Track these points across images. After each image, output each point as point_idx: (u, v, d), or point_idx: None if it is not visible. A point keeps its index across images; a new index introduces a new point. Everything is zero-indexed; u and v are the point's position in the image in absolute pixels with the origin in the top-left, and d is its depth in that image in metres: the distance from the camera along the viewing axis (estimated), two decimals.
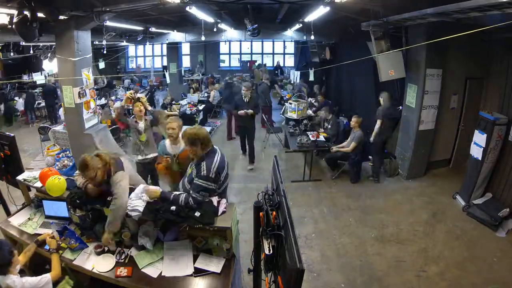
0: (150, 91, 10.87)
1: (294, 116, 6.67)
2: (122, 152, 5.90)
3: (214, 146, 2.63)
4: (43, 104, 9.61)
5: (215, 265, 2.34)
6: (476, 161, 4.52)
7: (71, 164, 5.56)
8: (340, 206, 4.81)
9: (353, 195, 5.12)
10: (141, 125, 4.06)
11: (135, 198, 2.48)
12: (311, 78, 8.85)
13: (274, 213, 1.88)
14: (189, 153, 2.62)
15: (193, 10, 4.59)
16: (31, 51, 8.44)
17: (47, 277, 2.13)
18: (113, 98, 10.14)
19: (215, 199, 2.49)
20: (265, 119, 7.51)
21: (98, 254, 2.46)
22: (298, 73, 10.10)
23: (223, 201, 2.50)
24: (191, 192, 2.48)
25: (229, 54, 15.77)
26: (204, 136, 2.53)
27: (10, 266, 1.99)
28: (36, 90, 10.20)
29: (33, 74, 10.48)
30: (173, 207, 2.39)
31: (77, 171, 2.63)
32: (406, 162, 5.58)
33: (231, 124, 7.75)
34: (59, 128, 6.34)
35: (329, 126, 6.37)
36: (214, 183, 2.49)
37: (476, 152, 4.52)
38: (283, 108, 7.36)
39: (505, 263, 3.54)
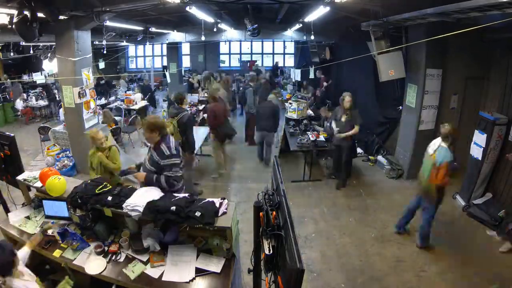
0: (143, 90, 10.76)
1: (294, 116, 6.68)
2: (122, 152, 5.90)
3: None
4: (43, 103, 9.62)
5: (215, 265, 2.34)
6: (476, 161, 4.52)
7: (71, 164, 5.60)
8: (340, 206, 4.81)
9: (353, 195, 5.12)
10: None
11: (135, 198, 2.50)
12: (311, 76, 8.85)
13: (274, 213, 1.88)
14: (147, 139, 3.01)
15: (193, 10, 4.59)
16: (31, 51, 8.45)
17: None
18: (112, 98, 10.15)
19: (217, 200, 2.49)
20: None
21: (99, 254, 2.45)
22: (298, 72, 10.06)
23: (225, 201, 2.51)
24: (164, 173, 2.90)
25: (229, 54, 15.77)
26: (161, 123, 2.96)
27: (13, 266, 1.93)
28: (36, 90, 10.21)
29: (33, 74, 10.49)
30: (173, 207, 2.39)
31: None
32: (406, 162, 5.58)
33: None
34: (59, 128, 6.35)
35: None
36: (177, 157, 2.96)
37: (476, 152, 4.52)
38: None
39: (505, 263, 3.55)
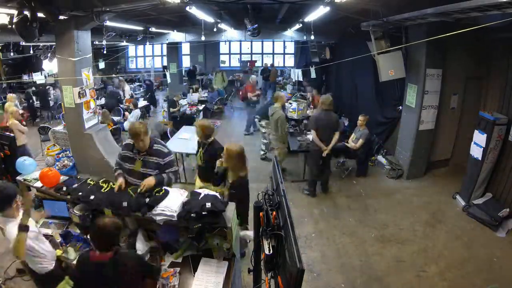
0: (145, 90, 10.71)
1: (295, 116, 6.68)
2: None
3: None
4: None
5: (216, 265, 2.34)
6: (476, 161, 4.52)
7: (71, 164, 5.60)
8: (340, 206, 4.81)
9: (353, 195, 5.11)
10: None
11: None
12: (313, 75, 8.83)
13: (274, 213, 1.88)
14: (141, 147, 2.77)
15: (193, 10, 4.59)
16: (31, 51, 8.45)
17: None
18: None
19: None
20: None
21: None
22: (299, 71, 9.99)
23: None
24: (172, 170, 2.90)
25: (229, 54, 15.76)
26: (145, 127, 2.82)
27: (11, 204, 2.11)
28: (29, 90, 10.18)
29: (33, 74, 10.48)
30: (208, 204, 2.30)
31: None
32: (406, 162, 5.58)
33: None
34: (59, 128, 6.35)
35: None
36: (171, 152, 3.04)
37: (476, 152, 4.52)
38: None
39: (505, 263, 3.55)
